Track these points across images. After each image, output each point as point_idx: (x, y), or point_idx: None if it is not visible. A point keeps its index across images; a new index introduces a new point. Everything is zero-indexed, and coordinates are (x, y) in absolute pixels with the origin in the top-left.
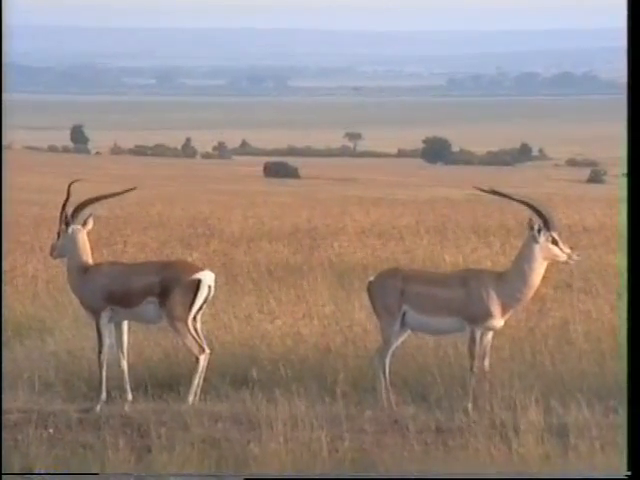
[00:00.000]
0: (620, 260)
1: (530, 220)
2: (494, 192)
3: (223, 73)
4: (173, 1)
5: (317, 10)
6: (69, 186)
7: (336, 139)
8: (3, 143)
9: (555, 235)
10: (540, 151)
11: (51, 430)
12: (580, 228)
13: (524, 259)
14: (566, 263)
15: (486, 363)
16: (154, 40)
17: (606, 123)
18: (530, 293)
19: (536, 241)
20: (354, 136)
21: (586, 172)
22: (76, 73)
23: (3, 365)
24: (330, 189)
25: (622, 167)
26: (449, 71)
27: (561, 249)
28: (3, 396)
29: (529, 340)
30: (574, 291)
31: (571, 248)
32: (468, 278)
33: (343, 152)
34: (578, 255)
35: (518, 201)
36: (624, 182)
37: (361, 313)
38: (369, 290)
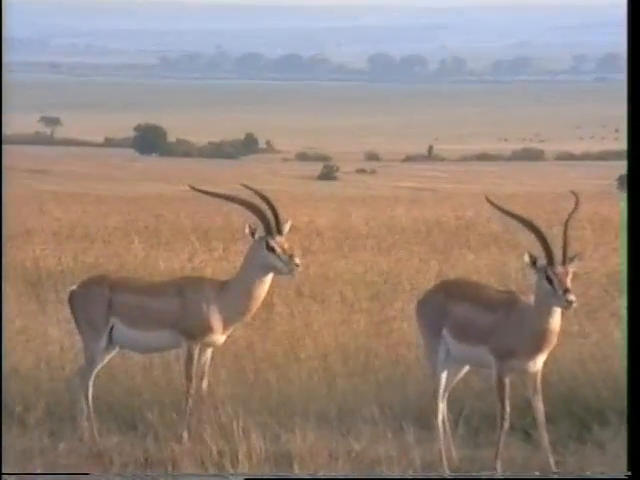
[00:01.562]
0: (352, 265)
1: (249, 225)
2: (202, 191)
3: None
4: None
5: None
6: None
7: (29, 124)
8: None
9: (272, 242)
10: (267, 143)
11: None
12: (310, 230)
13: (248, 268)
14: (287, 273)
15: (204, 384)
16: None
17: (341, 114)
18: (255, 306)
19: (258, 249)
20: (51, 121)
21: (318, 167)
22: None
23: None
24: (22, 182)
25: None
26: (161, 49)
27: (278, 256)
28: None
29: (251, 357)
30: (304, 300)
31: (290, 256)
32: (185, 287)
33: (38, 139)
34: (297, 265)
35: (233, 200)
36: (359, 178)
37: (58, 328)
38: (70, 301)
